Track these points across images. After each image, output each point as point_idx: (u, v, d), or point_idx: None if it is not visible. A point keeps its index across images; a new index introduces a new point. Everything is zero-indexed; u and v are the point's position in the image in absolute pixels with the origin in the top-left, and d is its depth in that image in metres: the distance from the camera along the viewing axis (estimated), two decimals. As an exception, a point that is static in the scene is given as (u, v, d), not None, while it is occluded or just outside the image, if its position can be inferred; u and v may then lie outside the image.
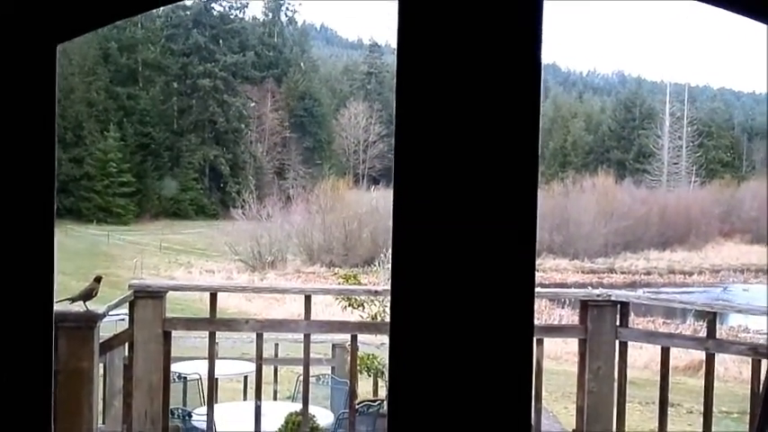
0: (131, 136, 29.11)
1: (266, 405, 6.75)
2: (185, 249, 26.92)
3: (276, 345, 8.10)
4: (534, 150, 2.14)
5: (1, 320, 1.96)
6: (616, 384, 4.90)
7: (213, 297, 5.04)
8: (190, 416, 6.46)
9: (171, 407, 6.54)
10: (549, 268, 24.23)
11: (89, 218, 27.77)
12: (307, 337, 5.15)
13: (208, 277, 23.10)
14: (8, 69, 1.97)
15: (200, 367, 6.62)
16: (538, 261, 25.46)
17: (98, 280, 4.65)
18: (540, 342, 4.89)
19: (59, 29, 2.11)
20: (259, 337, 5.01)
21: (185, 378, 7.55)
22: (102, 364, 6.02)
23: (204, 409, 5.58)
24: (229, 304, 17.91)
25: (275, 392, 8.19)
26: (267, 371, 8.34)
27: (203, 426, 5.41)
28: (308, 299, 5.16)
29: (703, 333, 5.48)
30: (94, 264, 23.54)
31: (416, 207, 2.03)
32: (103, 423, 6.16)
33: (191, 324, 5.32)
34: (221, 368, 7.38)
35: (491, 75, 2.09)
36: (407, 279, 2.05)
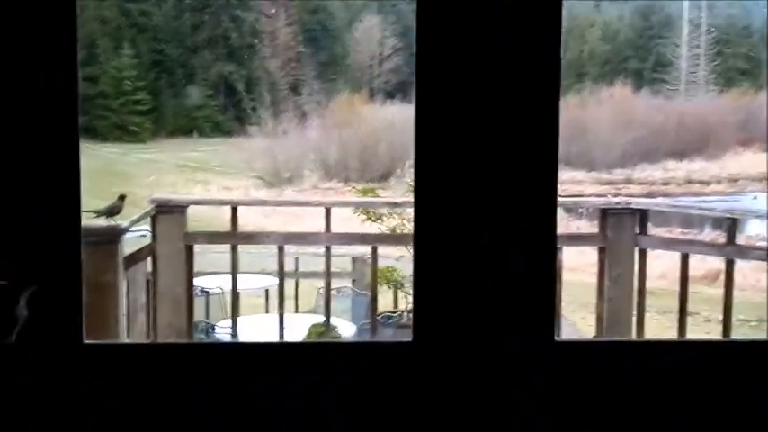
0: (145, 53, 28.92)
1: (289, 317, 6.87)
2: (202, 167, 26.98)
3: (296, 259, 8.18)
4: (556, 58, 2.13)
5: (33, 233, 1.99)
6: (636, 292, 4.95)
7: (234, 211, 5.09)
8: (213, 328, 6.58)
9: (194, 320, 6.67)
10: (565, 180, 24.12)
11: (105, 136, 27.80)
12: (327, 249, 5.21)
13: (226, 194, 23.18)
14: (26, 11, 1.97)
15: (223, 282, 6.74)
16: (554, 173, 25.41)
17: (122, 198, 4.71)
18: (558, 251, 4.93)
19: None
20: (280, 250, 5.07)
21: (208, 292, 7.66)
22: (125, 280, 6.13)
23: (227, 322, 5.68)
24: (248, 221, 17.96)
25: (297, 305, 8.31)
26: (288, 285, 8.45)
27: (227, 338, 5.51)
28: (327, 212, 5.21)
29: (722, 241, 5.51)
30: (111, 182, 23.64)
31: (437, 119, 2.04)
32: (128, 337, 6.28)
33: (212, 238, 5.38)
34: (242, 282, 7.49)
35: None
36: (430, 192, 2.07)
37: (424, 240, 2.07)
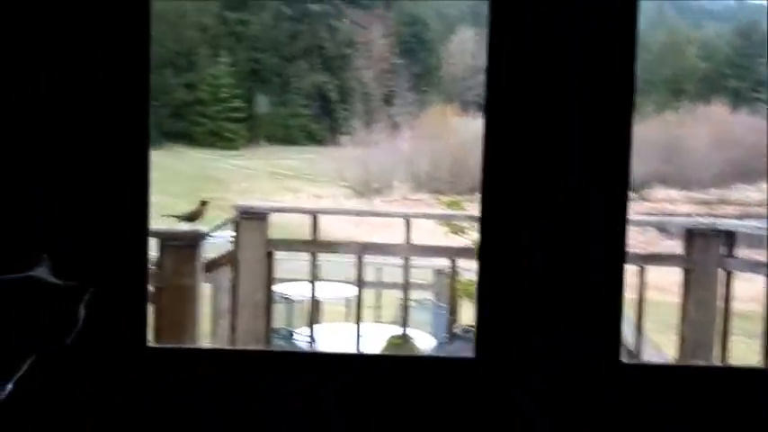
0: (242, 61, 29.37)
1: (368, 328, 6.87)
2: (294, 175, 27.27)
3: (379, 269, 8.18)
4: (630, 78, 2.09)
5: (101, 235, 2.02)
6: (720, 316, 4.83)
7: (315, 220, 5.12)
8: (292, 335, 6.61)
9: (274, 326, 6.72)
10: (659, 198, 23.71)
11: (200, 142, 28.28)
12: (406, 260, 5.20)
13: (316, 202, 23.36)
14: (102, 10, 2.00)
15: (305, 289, 6.72)
16: (647, 191, 24.96)
17: (204, 203, 4.78)
18: (642, 271, 4.84)
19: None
20: (359, 259, 5.08)
21: (290, 299, 7.70)
22: (210, 284, 6.20)
23: (307, 329, 5.72)
24: (336, 229, 18.07)
25: (378, 316, 8.31)
26: (370, 295, 8.46)
27: (304, 345, 5.54)
28: (407, 223, 5.21)
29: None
30: (204, 187, 24.03)
31: (507, 135, 2.01)
32: (212, 341, 6.36)
33: (293, 245, 5.41)
34: (325, 291, 7.51)
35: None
36: (496, 208, 2.04)
37: (489, 257, 2.04)
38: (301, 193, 24.22)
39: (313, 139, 30.86)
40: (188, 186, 23.33)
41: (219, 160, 27.80)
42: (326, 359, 2.06)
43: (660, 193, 26.55)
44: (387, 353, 5.45)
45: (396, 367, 2.07)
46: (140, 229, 2.07)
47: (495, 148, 2.04)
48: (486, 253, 2.06)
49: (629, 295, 5.17)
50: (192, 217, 4.63)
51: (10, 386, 1.53)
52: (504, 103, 2.04)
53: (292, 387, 2.01)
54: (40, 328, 1.51)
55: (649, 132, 25.92)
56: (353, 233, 17.46)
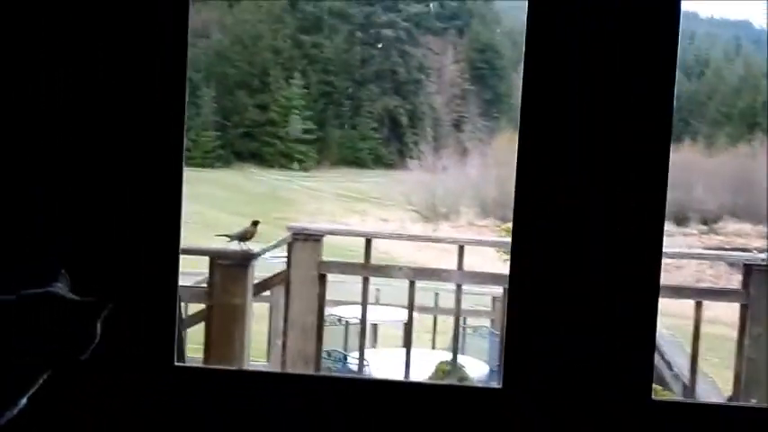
0: (314, 84, 29.62)
1: (423, 353, 6.84)
2: (361, 197, 27.39)
3: (436, 294, 8.14)
4: (668, 110, 2.05)
5: (131, 252, 2.04)
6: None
7: (368, 243, 5.13)
8: (345, 358, 6.61)
9: (329, 349, 6.72)
10: (730, 232, 23.29)
11: (271, 163, 28.55)
12: (458, 287, 5.18)
13: (382, 225, 23.39)
14: (142, 16, 2.02)
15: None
16: (719, 224, 24.45)
17: (255, 224, 4.82)
18: (698, 305, 4.76)
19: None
20: (411, 284, 5.07)
21: (347, 322, 7.70)
22: (268, 304, 6.24)
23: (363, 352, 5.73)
24: (401, 253, 18.08)
25: (434, 341, 8.27)
26: (427, 320, 8.43)
27: (363, 369, 5.53)
28: (461, 249, 5.19)
29: None
30: (273, 208, 24.27)
31: (541, 164, 1.98)
32: (267, 361, 6.38)
33: (345, 268, 5.40)
34: (383, 314, 7.49)
35: (627, 35, 2.01)
36: (527, 239, 2.01)
37: (519, 287, 2.01)
38: (368, 216, 24.31)
39: (382, 162, 30.95)
40: (258, 207, 23.55)
41: (290, 181, 28.06)
42: (345, 384, 2.05)
43: (732, 226, 26.11)
44: (434, 379, 5.44)
45: (412, 395, 2.04)
46: (171, 247, 2.08)
47: (528, 184, 2.02)
48: (515, 287, 2.03)
49: (687, 328, 5.09)
50: (243, 237, 4.67)
51: (24, 401, 1.54)
52: (538, 138, 2.02)
53: (305, 408, 2.00)
54: (55, 344, 1.51)
55: (722, 165, 25.52)
56: (417, 257, 17.48)
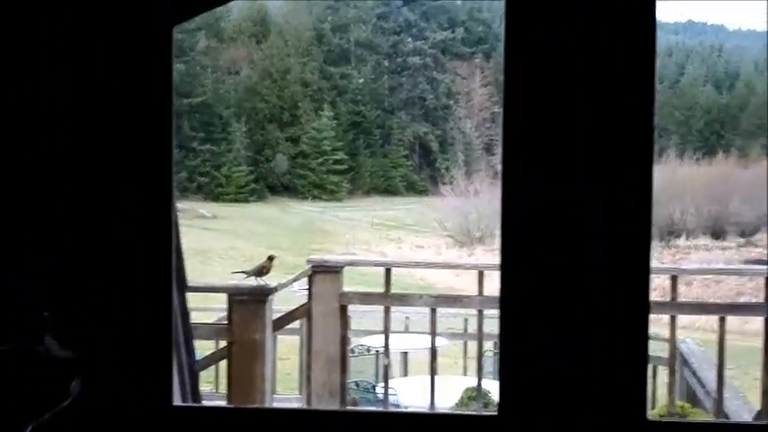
0: (344, 114, 29.82)
1: (454, 380, 6.81)
2: (396, 225, 27.44)
3: (465, 320, 8.12)
4: (649, 124, 2.05)
5: (126, 296, 2.06)
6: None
7: (388, 272, 5.12)
8: (374, 388, 6.60)
9: (357, 379, 6.71)
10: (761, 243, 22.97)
11: (304, 195, 28.72)
12: (480, 312, 5.16)
13: (418, 252, 23.41)
14: (126, 53, 2.06)
15: (392, 341, 6.72)
16: (757, 236, 24.09)
17: (271, 259, 4.84)
18: (722, 320, 4.71)
19: (174, 12, 2.19)
20: (433, 311, 5.06)
21: (377, 351, 7.69)
22: (298, 337, 6.25)
23: (391, 382, 5.71)
24: (438, 280, 18.06)
25: (464, 367, 8.24)
26: (458, 346, 8.40)
27: (388, 398, 5.50)
28: (480, 274, 5.17)
29: None
30: (310, 239, 24.34)
31: (525, 186, 1.99)
32: (300, 394, 6.39)
33: (366, 298, 5.39)
34: (412, 342, 7.48)
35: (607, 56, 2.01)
36: (518, 257, 2.02)
37: (511, 315, 2.01)
38: (403, 243, 24.35)
39: (414, 189, 31.01)
40: (295, 239, 23.69)
41: (324, 212, 28.19)
42: (338, 417, 2.06)
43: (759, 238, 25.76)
44: (460, 406, 5.43)
45: (406, 425, 2.04)
46: (164, 286, 2.10)
47: (513, 209, 2.02)
48: (507, 314, 2.03)
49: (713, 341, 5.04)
50: (259, 272, 4.69)
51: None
52: (521, 161, 2.02)
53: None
54: (26, 403, 1.47)
55: (758, 176, 25.23)
56: (454, 283, 17.46)
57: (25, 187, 2.06)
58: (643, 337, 2.03)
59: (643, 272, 2.03)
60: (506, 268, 2.04)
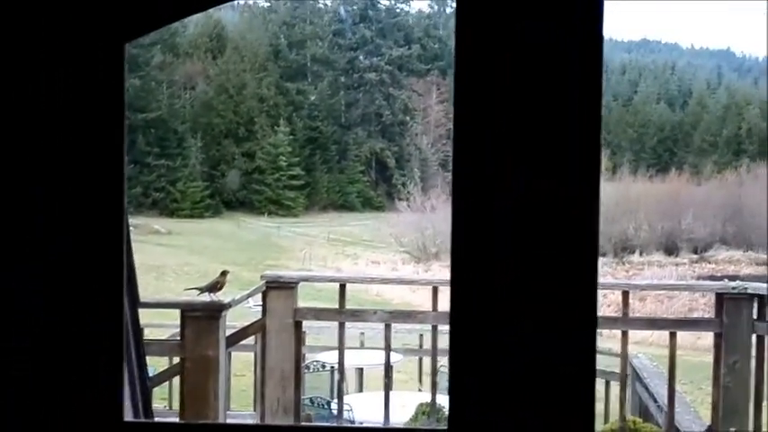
0: (300, 130, 29.76)
1: (409, 395, 6.80)
2: (352, 241, 27.40)
3: (421, 336, 8.14)
4: (596, 141, 2.08)
5: (77, 310, 2.05)
6: (753, 380, 4.70)
7: (342, 288, 5.11)
8: (329, 404, 6.58)
9: (311, 396, 6.69)
10: (721, 260, 23.32)
11: (260, 210, 28.59)
12: (434, 328, 5.17)
13: (373, 268, 23.41)
14: (77, 70, 2.05)
15: (348, 357, 6.72)
16: (710, 252, 24.33)
17: (224, 274, 4.79)
18: (673, 335, 4.75)
19: (127, 28, 2.18)
20: (387, 327, 5.06)
21: (332, 367, 7.68)
22: (254, 353, 6.21)
23: (347, 398, 5.70)
24: (394, 295, 18.03)
25: (420, 382, 8.25)
26: (413, 361, 8.42)
27: (343, 414, 5.49)
28: (434, 290, 5.19)
29: None
30: (265, 255, 24.22)
31: (475, 200, 2.01)
32: (254, 410, 6.35)
33: (320, 314, 5.38)
34: (368, 358, 7.47)
35: (552, 64, 2.04)
36: (467, 272, 2.03)
37: (461, 330, 2.02)
38: (359, 259, 24.32)
39: (371, 204, 31.09)
40: (250, 255, 23.56)
41: (280, 228, 28.09)
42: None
43: (722, 254, 26.06)
44: (414, 421, 5.42)
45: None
46: (115, 299, 2.09)
47: (462, 221, 2.04)
48: (456, 326, 2.04)
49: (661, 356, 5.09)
50: (211, 288, 4.66)
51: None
52: (469, 168, 2.04)
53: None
54: None
55: (710, 193, 25.54)
56: (410, 299, 17.47)
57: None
58: (591, 350, 2.05)
59: (590, 287, 2.05)
60: (456, 284, 2.06)
